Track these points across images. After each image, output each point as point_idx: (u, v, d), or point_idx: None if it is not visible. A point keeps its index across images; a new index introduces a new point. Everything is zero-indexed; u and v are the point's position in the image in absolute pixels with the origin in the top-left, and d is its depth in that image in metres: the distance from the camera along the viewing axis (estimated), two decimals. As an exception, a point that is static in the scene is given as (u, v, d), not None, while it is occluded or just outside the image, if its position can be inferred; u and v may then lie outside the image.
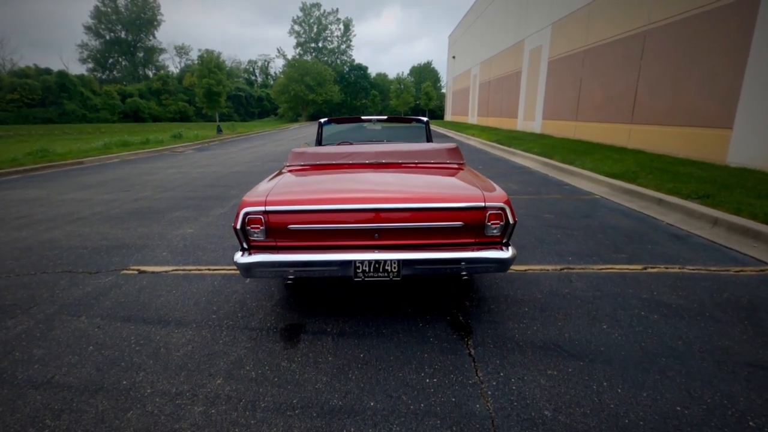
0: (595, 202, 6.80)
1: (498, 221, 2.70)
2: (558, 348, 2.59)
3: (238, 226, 2.64)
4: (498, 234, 2.75)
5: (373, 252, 2.70)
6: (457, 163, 3.71)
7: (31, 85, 52.83)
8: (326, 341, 2.71)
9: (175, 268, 4.01)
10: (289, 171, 3.59)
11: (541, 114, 19.54)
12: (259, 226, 2.65)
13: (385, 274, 2.72)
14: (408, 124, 5.65)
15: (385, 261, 2.68)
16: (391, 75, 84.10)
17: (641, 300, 3.24)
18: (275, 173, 3.51)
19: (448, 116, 48.91)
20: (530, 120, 21.16)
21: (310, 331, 2.83)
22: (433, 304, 3.20)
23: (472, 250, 2.73)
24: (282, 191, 2.85)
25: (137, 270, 3.97)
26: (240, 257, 2.68)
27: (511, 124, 24.28)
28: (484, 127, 27.84)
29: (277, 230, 2.68)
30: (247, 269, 2.68)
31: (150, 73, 79.52)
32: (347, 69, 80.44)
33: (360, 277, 2.73)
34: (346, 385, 2.26)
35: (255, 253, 2.71)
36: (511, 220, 2.69)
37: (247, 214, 2.64)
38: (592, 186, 8.11)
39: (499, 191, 2.79)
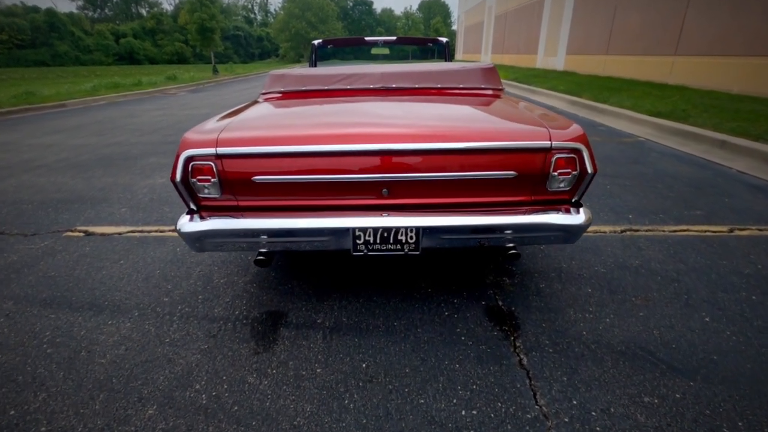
0: (641, 146, 5.77)
1: (569, 169, 1.79)
2: (649, 355, 1.78)
3: (178, 178, 1.76)
4: (567, 189, 1.85)
5: (381, 215, 1.83)
6: (493, 89, 2.72)
7: (19, 24, 50.03)
8: (314, 340, 1.92)
9: (131, 229, 3.20)
10: (267, 100, 2.65)
11: (565, 49, 17.71)
12: (209, 177, 1.77)
13: (398, 247, 1.88)
14: (423, 47, 4.53)
15: (398, 229, 1.82)
16: (398, 10, 78.93)
17: (744, 276, 2.38)
18: (246, 104, 2.57)
19: (459, 55, 45.88)
20: (551, 56, 19.30)
21: (293, 324, 2.04)
22: (462, 281, 2.38)
23: (525, 213, 1.85)
24: (244, 125, 1.94)
25: (84, 231, 3.16)
26: (185, 223, 1.83)
27: (529, 62, 22.33)
28: (499, 65, 25.76)
29: (238, 184, 1.80)
30: (195, 240, 1.84)
31: (143, 11, 75.11)
32: (351, 4, 75.26)
33: (361, 251, 1.89)
34: (340, 421, 1.49)
35: (207, 216, 1.85)
36: (589, 168, 1.78)
37: (190, 159, 1.75)
38: (633, 127, 7.00)
39: (572, 126, 1.85)
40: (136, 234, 3.10)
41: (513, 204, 1.89)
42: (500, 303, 2.19)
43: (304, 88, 2.64)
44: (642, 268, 2.50)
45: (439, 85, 2.67)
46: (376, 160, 1.75)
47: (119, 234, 3.10)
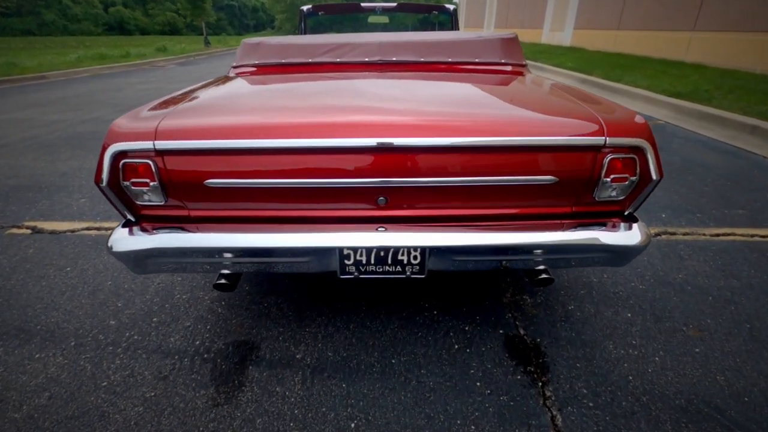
0: (662, 129, 5.30)
1: (626, 174, 1.36)
2: (717, 413, 1.39)
3: (104, 181, 1.32)
4: (620, 198, 1.42)
5: (376, 229, 1.40)
6: (515, 64, 2.25)
7: (3, -10, 48.04)
8: (291, 386, 1.52)
9: (87, 225, 2.76)
10: (239, 75, 2.17)
11: (573, 23, 16.88)
12: (147, 179, 1.33)
13: (398, 269, 1.47)
14: (425, 17, 4.00)
15: (399, 249, 1.40)
16: (399, -19, 76.06)
17: (814, 298, 1.98)
18: (209, 81, 2.09)
19: (461, 29, 44.35)
20: (558, 31, 18.46)
21: (266, 360, 1.63)
22: (473, 299, 1.97)
23: (564, 228, 1.43)
24: (197, 110, 1.48)
25: (32, 228, 2.72)
26: (119, 239, 1.40)
27: (533, 36, 21.45)
28: (503, 40, 24.73)
29: (188, 188, 1.36)
30: (134, 261, 1.41)
31: (134, -22, 72.28)
32: (350, -27, 72.50)
33: (351, 274, 1.47)
34: None
35: (150, 230, 1.42)
36: (654, 174, 1.34)
37: (119, 156, 1.31)
38: (650, 108, 6.50)
39: (633, 117, 1.41)
40: (92, 232, 2.66)
41: (548, 217, 1.46)
42: (522, 331, 1.79)
43: (283, 61, 2.15)
44: (687, 284, 2.10)
45: (450, 59, 2.18)
46: (370, 160, 1.31)
47: (72, 231, 2.66)
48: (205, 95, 1.68)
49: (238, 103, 1.56)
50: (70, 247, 2.47)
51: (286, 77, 2.02)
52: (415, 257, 1.44)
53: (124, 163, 1.31)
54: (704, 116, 5.57)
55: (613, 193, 1.40)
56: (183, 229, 1.41)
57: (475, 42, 2.27)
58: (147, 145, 1.28)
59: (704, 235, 2.60)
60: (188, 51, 21.37)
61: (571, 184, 1.37)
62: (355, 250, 1.41)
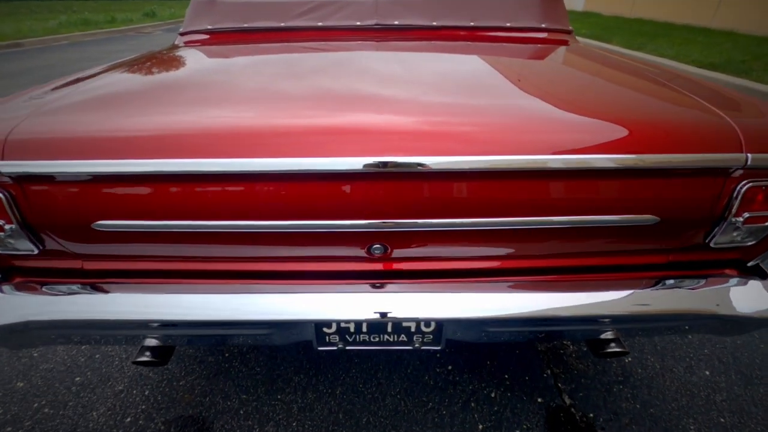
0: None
1: (765, 209, 0.85)
2: None
3: None
4: (747, 243, 0.92)
5: (372, 288, 0.92)
6: (559, 31, 1.68)
7: (-17, -50, 45.72)
8: (249, 501, 1.07)
9: None
10: (188, 44, 1.61)
11: (587, -14, 15.78)
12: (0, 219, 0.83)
13: (403, 339, 1.00)
14: None
15: (407, 324, 0.92)
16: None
17: None
18: (146, 54, 1.54)
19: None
20: (571, -6, 17.30)
21: (219, 453, 1.18)
22: (499, 351, 1.51)
23: (653, 286, 0.94)
24: (87, 106, 0.94)
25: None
26: None
27: (544, 1, 20.19)
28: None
29: (68, 233, 0.86)
30: (4, 335, 0.93)
31: (121, -62, 68.79)
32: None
33: (333, 345, 1.00)
34: None
35: (23, 287, 0.93)
36: None
37: None
38: (679, 81, 5.86)
39: None
40: None
41: (630, 268, 0.97)
42: (567, 400, 1.33)
43: (245, 26, 1.58)
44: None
45: (471, 23, 1.61)
46: (357, 189, 0.81)
47: None
48: (120, 79, 1.15)
49: (163, 95, 1.02)
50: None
51: (247, 50, 1.47)
52: (427, 324, 0.96)
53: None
54: (744, 91, 4.97)
55: (739, 237, 0.90)
56: (63, 292, 0.92)
57: None
58: (-13, 166, 0.77)
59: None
60: (178, 16, 20.23)
61: (677, 226, 0.87)
62: (339, 325, 0.93)
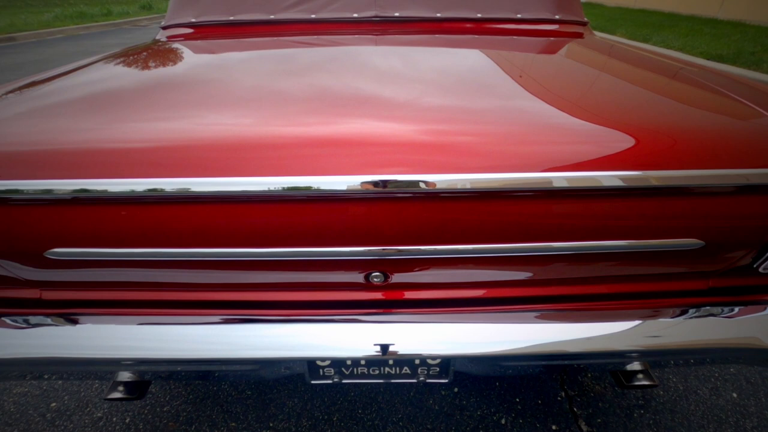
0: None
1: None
2: None
3: None
4: None
5: (371, 319, 0.81)
6: (572, 23, 1.55)
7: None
8: None
9: None
10: (171, 39, 1.49)
11: (590, -25, 15.51)
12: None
13: (406, 372, 0.89)
14: None
15: (410, 359, 0.81)
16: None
17: None
18: (125, 50, 1.42)
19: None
20: (573, -15, 17.02)
21: (204, 491, 1.08)
22: (510, 382, 1.40)
23: (690, 314, 0.83)
24: (23, 118, 0.81)
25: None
26: None
27: (546, -8, 19.91)
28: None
29: (18, 259, 0.75)
30: None
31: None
32: None
33: (328, 378, 0.89)
34: None
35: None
36: None
37: None
38: (687, 74, 5.72)
39: None
40: None
41: (663, 295, 0.86)
42: (584, 427, 1.22)
43: (232, 19, 1.45)
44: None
45: (479, 14, 1.48)
46: (354, 212, 0.69)
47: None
48: (88, 80, 1.02)
49: (134, 101, 0.89)
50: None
51: (233, 46, 1.34)
52: (432, 357, 0.85)
53: None
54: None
55: (791, 263, 0.78)
56: (42, 319, 0.81)
57: None
58: None
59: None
60: (175, 9, 20.01)
61: (724, 249, 0.76)
62: (335, 361, 0.82)
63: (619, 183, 0.66)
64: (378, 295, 0.82)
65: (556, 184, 0.65)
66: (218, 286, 0.82)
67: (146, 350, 0.80)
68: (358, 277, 0.78)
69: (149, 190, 0.65)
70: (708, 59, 5.75)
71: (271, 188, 0.64)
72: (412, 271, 0.78)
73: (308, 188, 0.65)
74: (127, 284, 0.82)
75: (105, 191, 0.65)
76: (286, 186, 0.64)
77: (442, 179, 0.64)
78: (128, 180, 0.65)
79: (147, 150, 0.68)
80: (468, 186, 0.65)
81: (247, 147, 0.69)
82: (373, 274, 0.76)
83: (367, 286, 0.79)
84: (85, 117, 0.79)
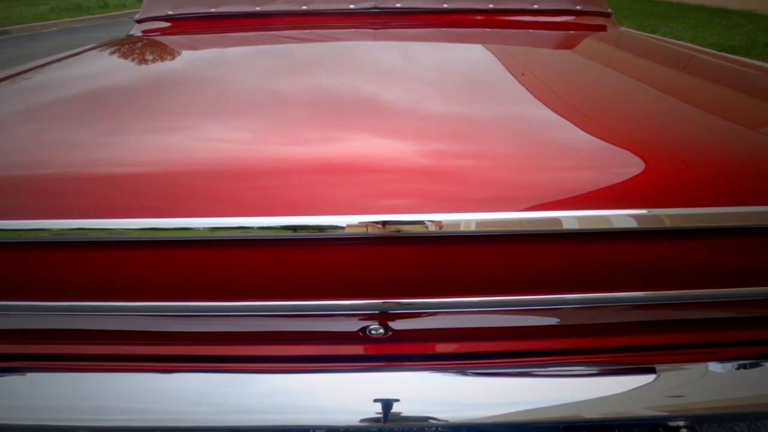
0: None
1: None
2: None
3: None
4: None
5: (367, 377, 0.67)
6: (596, 13, 1.39)
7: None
8: None
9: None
10: (147, 33, 1.33)
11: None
12: None
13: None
14: None
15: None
16: None
17: None
18: (95, 47, 1.26)
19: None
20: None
21: None
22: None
23: (735, 367, 0.69)
24: None
25: None
26: None
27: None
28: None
29: None
30: None
31: None
32: None
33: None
34: None
35: None
36: None
37: None
38: (699, 66, 5.54)
39: None
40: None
41: (719, 345, 0.72)
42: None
43: (213, 11, 1.28)
44: None
45: (490, 5, 1.31)
46: (348, 259, 0.55)
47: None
48: (38, 84, 0.88)
49: (87, 113, 0.73)
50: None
51: (213, 42, 1.18)
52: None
53: None
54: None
55: None
56: None
57: None
58: None
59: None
60: (172, 1, 19.81)
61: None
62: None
63: (672, 224, 0.51)
64: (376, 350, 0.67)
65: (616, 225, 0.50)
66: (181, 337, 0.68)
67: (103, 414, 0.67)
68: (353, 329, 0.64)
69: (75, 230, 0.51)
70: (720, 51, 5.57)
71: (232, 235, 0.50)
72: (417, 321, 0.63)
73: (288, 228, 0.50)
74: (71, 333, 0.68)
75: (37, 233, 0.51)
76: (257, 226, 0.50)
77: (453, 220, 0.50)
78: (61, 221, 0.51)
79: (84, 179, 0.54)
80: (494, 227, 0.50)
81: (218, 176, 0.54)
82: (370, 327, 0.62)
83: (364, 339, 0.65)
84: (22, 134, 0.65)
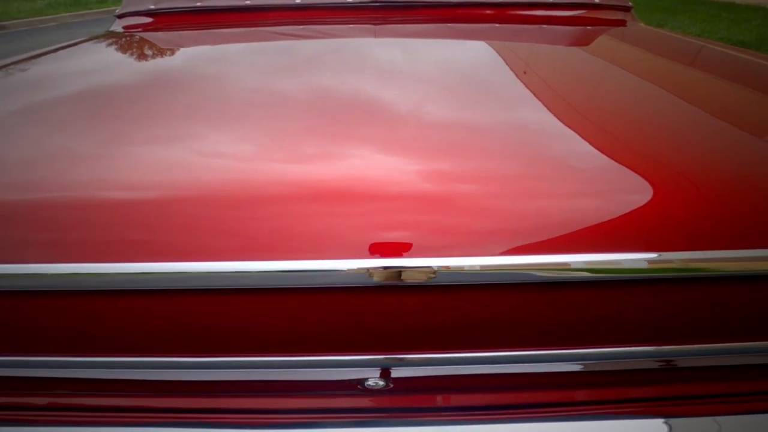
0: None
1: None
2: None
3: None
4: None
5: (363, 419, 0.57)
6: (615, 7, 1.28)
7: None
8: None
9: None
10: (128, 29, 1.23)
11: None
12: None
13: None
14: None
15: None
16: None
17: None
18: (68, 44, 1.17)
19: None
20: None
21: None
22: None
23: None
24: None
25: None
26: None
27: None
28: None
29: None
30: None
31: None
32: None
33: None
34: None
35: None
36: None
37: None
38: (707, 62, 5.42)
39: None
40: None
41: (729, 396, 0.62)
42: None
43: (198, 5, 1.17)
44: None
45: (499, -1, 1.21)
46: (342, 309, 0.45)
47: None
48: (6, 85, 0.78)
49: (56, 124, 0.64)
50: None
51: (198, 38, 1.08)
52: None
53: None
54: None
55: None
56: None
57: None
58: None
59: None
60: (172, -5, 19.68)
61: None
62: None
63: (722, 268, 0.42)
64: (375, 403, 0.58)
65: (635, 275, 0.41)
66: (167, 389, 0.59)
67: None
68: (351, 381, 0.55)
69: (26, 275, 0.42)
70: (729, 46, 5.45)
71: (208, 283, 0.41)
72: (421, 372, 0.54)
73: (269, 274, 0.41)
74: (48, 383, 0.59)
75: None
76: (236, 270, 0.41)
77: (468, 264, 0.40)
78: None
79: (42, 211, 0.45)
80: (506, 273, 0.41)
81: (189, 208, 0.45)
82: (367, 382, 0.53)
83: (362, 392, 0.56)
84: None
